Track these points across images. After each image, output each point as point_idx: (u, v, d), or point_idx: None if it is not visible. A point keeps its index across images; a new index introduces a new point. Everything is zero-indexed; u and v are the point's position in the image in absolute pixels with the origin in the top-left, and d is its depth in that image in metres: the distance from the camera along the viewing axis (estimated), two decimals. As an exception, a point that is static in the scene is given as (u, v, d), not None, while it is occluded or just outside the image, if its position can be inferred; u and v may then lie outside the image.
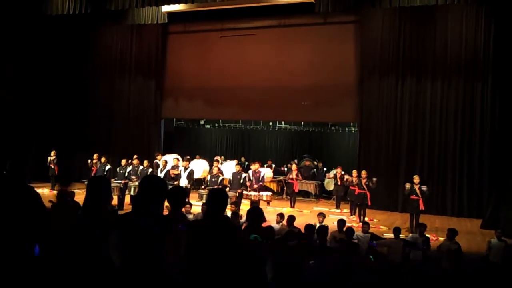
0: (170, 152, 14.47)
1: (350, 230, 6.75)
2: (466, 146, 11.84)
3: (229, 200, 9.50)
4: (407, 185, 9.85)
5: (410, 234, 8.22)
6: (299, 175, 13.02)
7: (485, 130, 11.60)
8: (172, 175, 11.36)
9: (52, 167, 13.47)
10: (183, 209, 6.91)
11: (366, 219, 10.30)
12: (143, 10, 13.28)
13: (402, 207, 11.75)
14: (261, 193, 11.10)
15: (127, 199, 11.34)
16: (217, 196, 3.12)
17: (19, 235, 2.59)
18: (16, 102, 14.37)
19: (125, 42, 15.99)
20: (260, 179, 11.24)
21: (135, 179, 11.14)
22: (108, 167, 12.05)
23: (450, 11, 12.00)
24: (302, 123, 17.81)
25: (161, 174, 11.14)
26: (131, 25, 14.93)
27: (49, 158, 13.54)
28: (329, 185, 13.80)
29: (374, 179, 10.66)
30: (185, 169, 11.47)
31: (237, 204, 10.11)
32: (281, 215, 7.80)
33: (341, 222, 7.45)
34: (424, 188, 9.76)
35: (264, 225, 4.38)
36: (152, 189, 2.89)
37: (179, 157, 13.00)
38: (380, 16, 12.73)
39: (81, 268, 2.74)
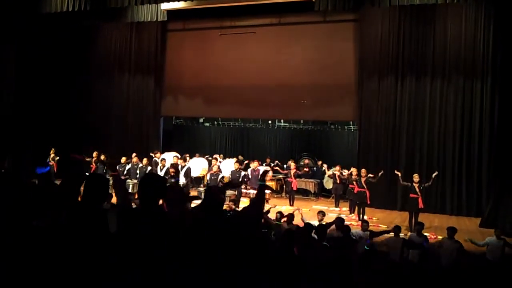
0: (169, 150, 14.46)
1: (347, 227, 6.77)
2: (465, 145, 11.84)
3: (227, 198, 9.55)
4: (399, 173, 10.27)
5: (409, 233, 8.24)
6: (297, 171, 12.98)
7: (484, 129, 11.60)
8: (172, 173, 11.35)
9: (52, 165, 13.45)
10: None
11: (365, 217, 10.31)
12: (142, 7, 13.26)
13: (401, 206, 11.76)
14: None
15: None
16: (212, 195, 3.14)
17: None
18: (15, 100, 14.34)
19: (124, 40, 15.97)
20: (259, 177, 11.23)
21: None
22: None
23: (450, 10, 12.00)
24: (302, 121, 17.81)
25: (161, 173, 11.15)
26: (130, 23, 14.91)
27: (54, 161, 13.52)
28: (328, 183, 13.81)
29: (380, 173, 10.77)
30: (182, 167, 11.48)
31: (236, 202, 10.13)
32: (281, 214, 7.83)
33: (339, 220, 7.45)
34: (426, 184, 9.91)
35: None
36: (153, 187, 2.89)
37: (178, 155, 13.01)
38: (380, 15, 12.71)
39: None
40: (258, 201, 3.45)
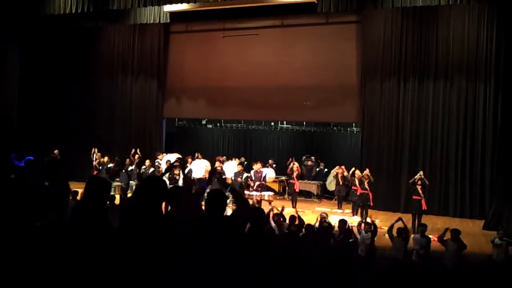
0: (172, 152, 14.47)
1: (348, 229, 6.77)
2: (468, 146, 11.80)
3: (230, 200, 9.54)
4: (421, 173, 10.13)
5: (412, 235, 8.21)
6: (299, 170, 12.93)
7: (487, 130, 11.57)
8: (176, 177, 11.36)
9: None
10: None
11: (368, 219, 10.27)
12: (145, 9, 13.28)
13: (404, 208, 11.72)
14: (263, 193, 11.12)
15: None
16: (215, 197, 3.14)
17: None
18: (18, 101, 14.39)
19: (127, 42, 16.01)
20: (261, 179, 11.27)
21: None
22: (110, 165, 12.08)
23: (453, 12, 11.97)
24: (304, 123, 17.79)
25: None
26: (133, 25, 14.95)
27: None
28: (331, 185, 13.78)
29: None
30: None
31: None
32: (279, 215, 7.81)
33: (342, 222, 7.43)
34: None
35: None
36: (153, 188, 2.89)
37: (181, 156, 13.00)
38: (382, 16, 12.71)
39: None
40: (239, 205, 3.49)
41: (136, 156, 12.59)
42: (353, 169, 11.39)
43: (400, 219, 7.27)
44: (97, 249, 2.75)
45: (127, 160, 12.36)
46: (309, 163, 14.66)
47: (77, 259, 2.73)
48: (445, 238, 6.81)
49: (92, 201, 2.99)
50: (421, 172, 10.24)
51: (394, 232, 7.03)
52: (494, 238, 7.15)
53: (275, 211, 7.59)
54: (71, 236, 2.87)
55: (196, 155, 13.33)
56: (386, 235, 7.37)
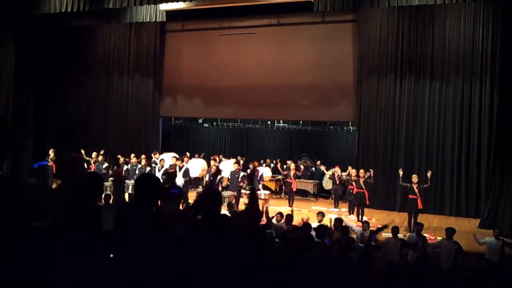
0: (168, 151, 14.44)
1: (345, 228, 6.77)
2: (464, 145, 11.84)
3: (226, 199, 9.55)
4: (401, 172, 10.24)
5: (408, 234, 8.22)
6: (297, 173, 12.95)
7: (483, 129, 11.60)
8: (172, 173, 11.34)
9: (50, 165, 13.42)
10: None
11: (364, 218, 10.30)
12: (141, 8, 13.23)
13: (400, 206, 11.75)
14: (259, 192, 11.10)
15: (125, 197, 11.34)
16: (210, 196, 3.13)
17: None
18: (13, 101, 14.30)
19: (123, 41, 15.96)
20: (258, 178, 11.26)
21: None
22: (105, 165, 12.05)
23: (449, 11, 12.00)
24: (301, 122, 17.80)
25: (159, 173, 11.13)
26: (129, 23, 14.91)
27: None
28: (328, 184, 13.80)
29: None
30: (180, 168, 11.48)
31: (235, 203, 10.12)
32: (280, 214, 7.82)
33: (338, 221, 7.44)
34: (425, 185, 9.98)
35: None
36: (147, 187, 2.88)
37: (177, 156, 13.00)
38: (379, 15, 12.72)
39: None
40: (253, 205, 3.45)
41: (132, 155, 12.56)
42: (349, 168, 11.42)
43: (385, 226, 7.00)
44: (92, 248, 2.74)
45: (122, 159, 12.31)
46: (305, 164, 14.68)
47: (71, 259, 2.72)
48: (440, 238, 6.81)
49: (86, 197, 2.98)
50: (430, 173, 10.24)
51: (385, 234, 7.00)
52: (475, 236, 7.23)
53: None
54: (66, 235, 2.86)
55: (183, 157, 13.17)
56: (383, 234, 7.38)
